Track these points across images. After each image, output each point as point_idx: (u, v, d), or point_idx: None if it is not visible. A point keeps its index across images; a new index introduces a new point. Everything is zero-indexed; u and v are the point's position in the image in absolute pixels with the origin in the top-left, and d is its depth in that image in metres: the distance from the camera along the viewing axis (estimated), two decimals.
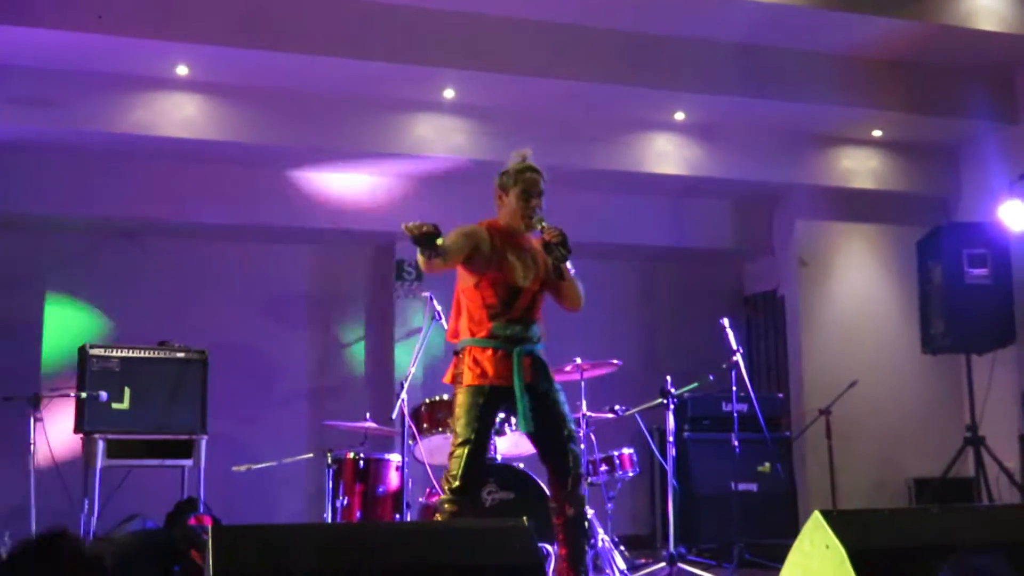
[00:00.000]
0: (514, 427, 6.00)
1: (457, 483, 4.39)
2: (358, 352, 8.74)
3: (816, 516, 3.47)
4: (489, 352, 4.55)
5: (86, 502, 6.55)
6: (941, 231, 8.03)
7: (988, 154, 8.52)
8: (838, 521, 3.43)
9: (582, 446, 4.58)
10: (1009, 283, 7.95)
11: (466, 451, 4.42)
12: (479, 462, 4.47)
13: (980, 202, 8.54)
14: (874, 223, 9.09)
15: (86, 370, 6.73)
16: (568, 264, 4.59)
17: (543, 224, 4.54)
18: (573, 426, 4.65)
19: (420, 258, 4.37)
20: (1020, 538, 3.59)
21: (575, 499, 4.53)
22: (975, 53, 7.96)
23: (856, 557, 3.30)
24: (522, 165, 4.76)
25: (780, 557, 3.66)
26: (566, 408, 4.65)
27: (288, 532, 3.20)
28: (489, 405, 4.52)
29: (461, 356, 4.62)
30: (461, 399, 4.54)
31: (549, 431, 4.58)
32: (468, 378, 4.55)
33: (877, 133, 8.63)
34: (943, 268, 7.91)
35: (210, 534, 2.94)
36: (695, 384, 6.62)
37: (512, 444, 6.31)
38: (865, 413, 8.33)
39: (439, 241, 4.26)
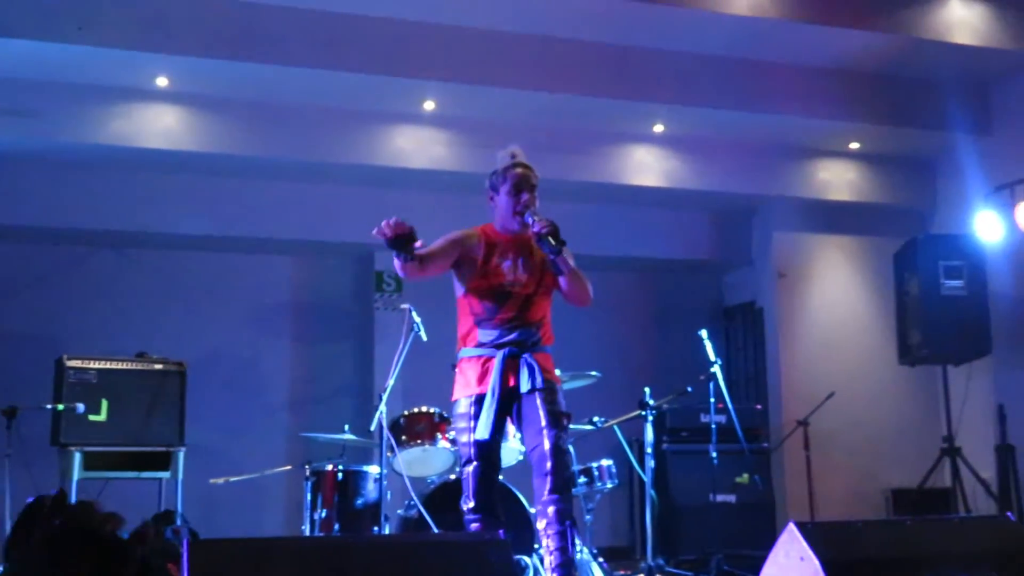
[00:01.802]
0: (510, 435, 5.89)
1: (472, 503, 4.34)
2: (338, 364, 8.72)
3: (791, 528, 3.49)
4: (474, 361, 4.49)
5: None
6: (917, 243, 8.08)
7: (964, 166, 8.57)
8: (813, 533, 3.45)
9: (569, 449, 4.40)
10: (984, 294, 8.01)
11: (471, 470, 4.36)
12: (488, 474, 4.37)
13: (957, 214, 8.60)
14: (852, 235, 9.15)
15: (63, 381, 6.69)
16: (569, 259, 4.47)
17: (535, 216, 4.42)
18: (558, 429, 4.38)
19: (396, 262, 4.29)
20: (996, 549, 3.62)
21: (557, 502, 4.26)
22: (951, 66, 8.02)
23: (830, 569, 3.32)
24: (511, 162, 4.65)
25: (758, 568, 3.68)
26: (555, 409, 4.40)
27: (265, 545, 3.19)
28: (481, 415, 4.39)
29: (456, 367, 4.58)
30: (456, 412, 4.49)
31: (531, 433, 4.38)
32: (456, 391, 4.52)
33: (855, 145, 8.68)
34: (920, 280, 7.97)
35: (185, 547, 2.94)
36: (672, 396, 6.64)
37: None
38: (843, 424, 8.37)
39: (416, 244, 4.17)
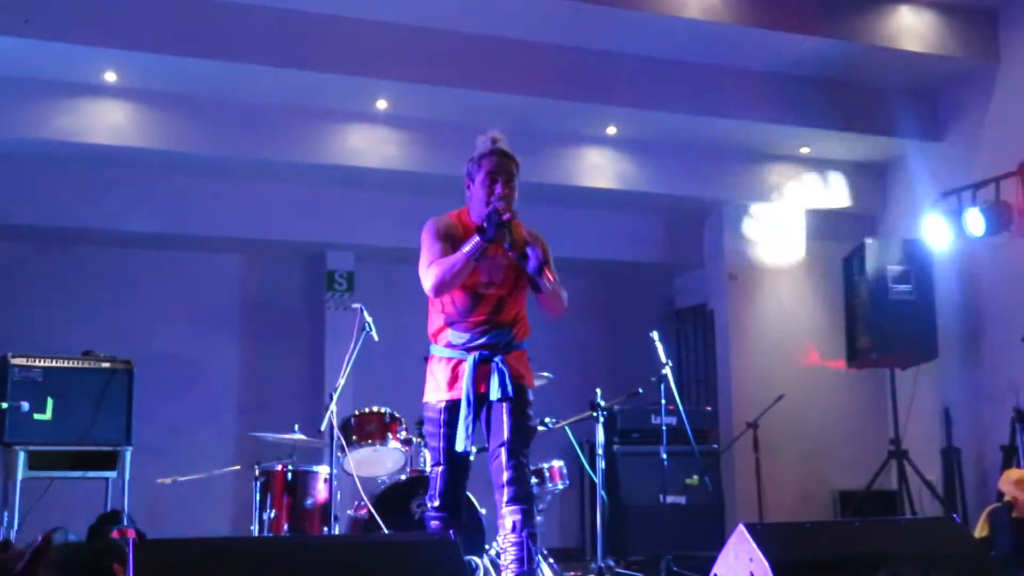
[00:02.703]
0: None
1: (438, 502, 4.30)
2: (288, 363, 8.66)
3: (740, 529, 3.50)
4: (444, 362, 4.38)
5: (5, 515, 6.40)
6: (866, 247, 8.15)
7: (913, 171, 8.69)
8: (762, 534, 3.46)
9: (524, 459, 4.29)
10: (932, 299, 8.11)
11: (440, 471, 4.31)
12: (456, 478, 4.32)
13: (905, 219, 8.71)
14: (802, 239, 9.21)
15: (7, 379, 6.56)
16: (552, 276, 4.36)
17: (497, 207, 4.23)
18: (520, 444, 4.25)
19: (457, 265, 4.17)
20: (942, 550, 3.66)
21: (514, 512, 4.16)
22: (900, 72, 8.13)
23: (779, 569, 3.34)
24: (487, 148, 4.42)
25: (707, 569, 3.69)
26: (520, 422, 4.28)
27: (214, 546, 3.16)
28: (452, 421, 4.29)
29: (427, 362, 4.48)
30: (426, 415, 4.42)
31: (493, 443, 4.25)
32: (427, 392, 4.43)
33: (805, 150, 8.76)
34: (868, 284, 8.04)
35: (131, 548, 2.89)
36: (623, 397, 6.65)
37: None
38: (792, 426, 8.43)
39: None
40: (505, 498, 4.19)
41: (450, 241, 4.32)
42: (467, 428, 4.22)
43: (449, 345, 4.38)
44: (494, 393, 4.25)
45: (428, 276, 4.27)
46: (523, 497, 4.19)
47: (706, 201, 8.95)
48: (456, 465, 4.32)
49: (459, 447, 4.25)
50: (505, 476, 4.19)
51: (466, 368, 4.29)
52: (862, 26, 7.64)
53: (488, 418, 4.30)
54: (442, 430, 4.31)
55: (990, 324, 8.09)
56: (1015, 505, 6.44)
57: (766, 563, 3.32)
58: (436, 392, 4.38)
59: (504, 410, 4.26)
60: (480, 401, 4.31)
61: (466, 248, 4.19)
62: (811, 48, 7.68)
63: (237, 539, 5.84)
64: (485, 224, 4.21)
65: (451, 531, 3.25)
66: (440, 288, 4.25)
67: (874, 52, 7.74)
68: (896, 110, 8.37)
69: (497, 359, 4.29)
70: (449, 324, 4.38)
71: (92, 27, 6.57)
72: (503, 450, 4.21)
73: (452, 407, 4.31)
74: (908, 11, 7.72)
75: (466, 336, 4.34)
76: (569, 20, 7.21)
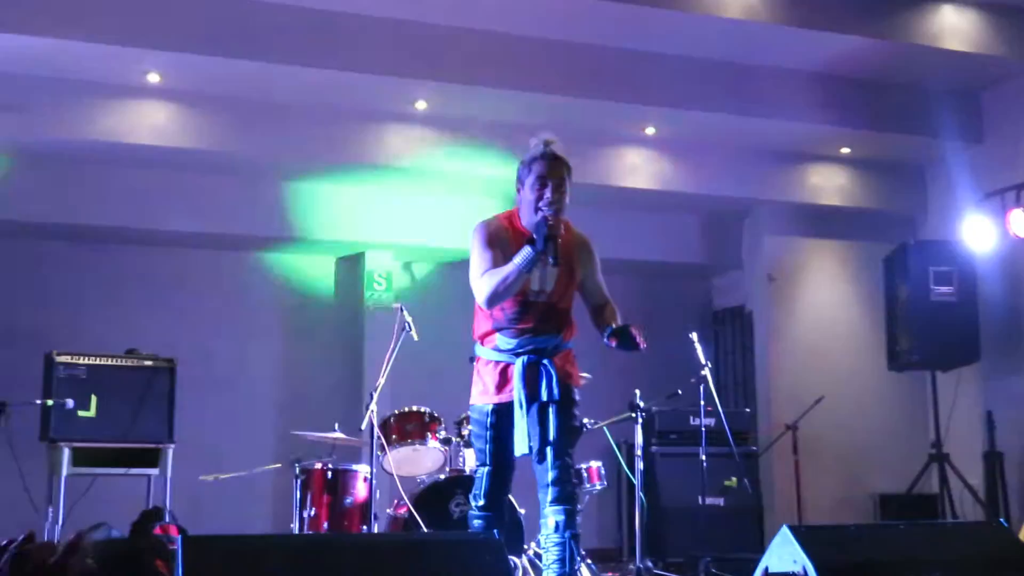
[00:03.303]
0: None
1: (482, 501, 4.30)
2: (327, 362, 8.70)
3: (784, 531, 3.49)
4: (492, 365, 4.36)
5: (50, 510, 6.48)
6: (907, 248, 8.10)
7: (954, 173, 8.59)
8: (806, 536, 3.45)
9: (569, 459, 4.27)
10: (974, 301, 8.03)
11: (485, 471, 4.31)
12: (501, 479, 4.31)
13: (946, 220, 8.62)
14: (842, 240, 9.16)
15: (52, 377, 6.65)
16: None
17: (546, 215, 4.18)
18: (566, 445, 4.27)
19: (510, 276, 4.15)
20: (987, 554, 3.63)
21: (558, 513, 4.17)
22: (943, 73, 8.04)
23: (823, 572, 3.32)
24: (539, 151, 4.33)
25: (746, 571, 3.70)
26: (567, 423, 4.28)
27: (259, 543, 3.19)
28: (499, 424, 4.29)
29: (474, 364, 4.47)
30: (472, 416, 4.42)
31: (538, 442, 4.24)
32: (474, 394, 4.41)
33: (845, 150, 8.70)
34: (909, 285, 7.98)
35: (180, 544, 2.93)
36: (662, 398, 6.64)
37: None
38: (831, 429, 8.37)
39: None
40: (550, 498, 4.19)
41: (500, 247, 4.28)
42: (524, 429, 4.20)
43: (497, 349, 4.36)
44: (542, 395, 4.24)
45: (480, 288, 4.25)
46: (567, 497, 4.19)
47: (745, 201, 8.92)
48: (502, 467, 4.31)
49: (519, 452, 4.24)
50: (550, 476, 4.19)
51: (516, 372, 4.26)
52: (903, 25, 7.58)
53: (536, 419, 4.27)
54: (489, 432, 4.30)
55: None
56: None
57: (810, 565, 3.31)
58: (484, 395, 4.37)
59: (551, 411, 4.25)
60: (529, 402, 4.28)
61: (517, 259, 4.14)
62: (851, 47, 7.62)
63: (281, 536, 5.90)
64: (535, 235, 4.17)
65: (495, 531, 3.26)
66: (493, 300, 4.23)
67: (915, 51, 7.67)
68: (938, 110, 8.29)
69: (545, 361, 4.28)
70: (497, 329, 4.35)
71: (136, 29, 6.62)
72: (549, 450, 4.21)
73: (500, 410, 4.30)
74: (951, 10, 7.63)
75: (514, 342, 4.32)
76: (607, 20, 7.19)
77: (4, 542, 5.01)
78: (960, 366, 8.08)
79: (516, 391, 4.23)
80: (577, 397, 4.44)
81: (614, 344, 4.33)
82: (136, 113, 7.24)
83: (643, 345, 4.28)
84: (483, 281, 4.23)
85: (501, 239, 4.31)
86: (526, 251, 4.12)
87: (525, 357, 4.27)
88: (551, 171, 4.29)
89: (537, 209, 4.25)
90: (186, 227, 8.02)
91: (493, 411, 4.31)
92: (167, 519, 6.31)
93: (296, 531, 6.24)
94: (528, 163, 4.32)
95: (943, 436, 7.96)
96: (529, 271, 4.15)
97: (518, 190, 4.38)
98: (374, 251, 8.68)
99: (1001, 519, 4.83)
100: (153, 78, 7.07)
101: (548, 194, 4.25)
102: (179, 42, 6.73)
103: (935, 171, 8.95)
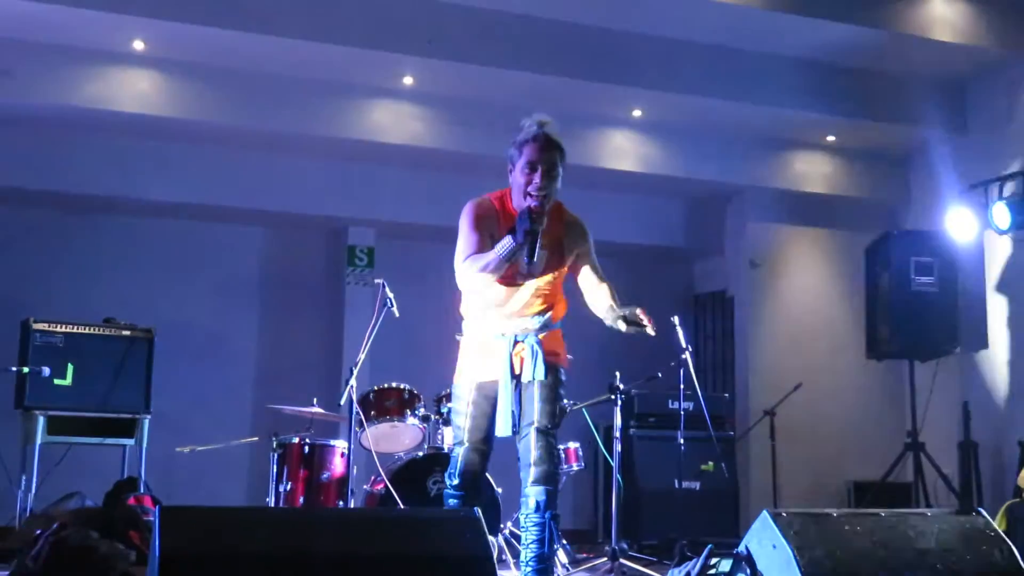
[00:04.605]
0: None
1: (456, 480, 4.26)
2: (307, 337, 8.67)
3: (764, 516, 3.49)
4: (476, 344, 4.32)
5: (23, 479, 6.44)
6: (890, 238, 8.11)
7: (938, 164, 8.60)
8: (785, 521, 3.45)
9: (552, 439, 4.20)
10: (954, 292, 8.05)
11: (462, 450, 4.26)
12: (476, 459, 4.26)
13: (929, 210, 8.64)
14: (824, 227, 9.19)
15: (29, 344, 6.61)
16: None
17: (531, 206, 4.07)
18: (548, 416, 4.19)
19: (493, 260, 4.03)
20: (965, 542, 3.65)
21: (539, 493, 4.11)
22: (929, 62, 8.05)
23: (802, 557, 3.33)
24: (531, 133, 4.20)
25: (721, 555, 3.69)
26: (550, 405, 4.21)
27: (236, 514, 3.17)
28: (480, 402, 4.25)
29: (460, 340, 4.43)
30: (454, 392, 4.37)
31: (523, 423, 4.19)
32: (457, 370, 4.36)
33: (830, 138, 8.71)
34: (890, 274, 8.00)
35: (157, 514, 2.90)
36: (642, 380, 6.64)
37: None
38: (809, 415, 8.41)
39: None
40: (532, 478, 4.15)
41: (488, 229, 4.20)
42: (508, 409, 4.17)
43: (483, 328, 4.32)
44: (527, 375, 4.20)
45: (463, 272, 4.20)
46: (549, 478, 4.15)
47: (729, 186, 8.92)
48: (479, 446, 4.28)
49: (500, 432, 4.21)
50: (533, 455, 4.15)
51: (502, 351, 4.23)
52: (893, 14, 7.57)
53: (520, 398, 4.24)
54: (470, 408, 4.27)
55: (1012, 319, 8.04)
56: None
57: (790, 550, 3.31)
58: (468, 372, 4.32)
59: (536, 390, 4.21)
60: (514, 381, 4.24)
61: (498, 248, 4.06)
62: (840, 35, 7.61)
63: (259, 508, 5.88)
64: (517, 225, 4.05)
65: (475, 508, 3.24)
66: (473, 285, 4.21)
67: (904, 40, 7.66)
68: (923, 100, 8.30)
69: (533, 341, 4.24)
70: (484, 308, 4.31)
71: None
72: (533, 429, 4.17)
73: (482, 387, 4.27)
74: (940, 0, 7.64)
75: (501, 323, 4.28)
76: (598, 1, 7.17)
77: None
78: (939, 356, 8.10)
79: (503, 370, 4.20)
80: (563, 377, 4.38)
81: (623, 328, 4.25)
82: (120, 81, 7.18)
83: (653, 331, 4.21)
84: (465, 266, 4.18)
85: (489, 221, 4.23)
86: (507, 241, 4.04)
87: (512, 336, 4.24)
88: (542, 155, 4.15)
89: (526, 195, 4.15)
90: (168, 197, 7.97)
91: (476, 388, 4.28)
92: (141, 490, 6.30)
93: (271, 505, 6.22)
94: (519, 145, 4.20)
95: (919, 425, 7.99)
96: (509, 261, 4.09)
97: (509, 171, 4.28)
98: (356, 226, 8.65)
99: (978, 508, 4.83)
100: (138, 45, 7.00)
101: (537, 179, 4.13)
102: (165, 10, 6.65)
103: (919, 161, 8.96)
